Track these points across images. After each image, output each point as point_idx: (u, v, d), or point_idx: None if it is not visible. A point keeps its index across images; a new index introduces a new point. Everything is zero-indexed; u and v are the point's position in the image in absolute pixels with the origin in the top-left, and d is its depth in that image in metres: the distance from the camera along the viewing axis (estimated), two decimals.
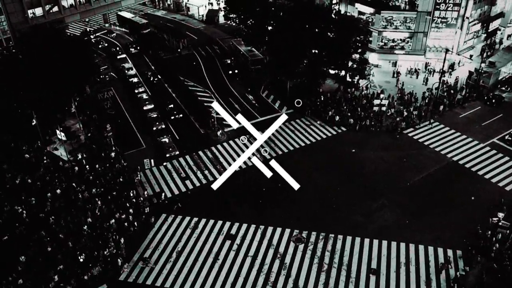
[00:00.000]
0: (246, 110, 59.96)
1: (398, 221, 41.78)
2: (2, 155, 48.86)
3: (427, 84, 63.83)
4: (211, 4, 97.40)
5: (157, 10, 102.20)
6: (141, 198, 44.39)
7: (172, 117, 59.37)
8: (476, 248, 38.19)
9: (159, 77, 70.26)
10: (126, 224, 41.36)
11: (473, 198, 43.96)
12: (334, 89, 62.93)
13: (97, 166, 48.10)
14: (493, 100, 59.68)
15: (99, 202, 43.12)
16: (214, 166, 50.18)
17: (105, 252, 38.13)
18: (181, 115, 60.05)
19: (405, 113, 56.87)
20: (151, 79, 69.53)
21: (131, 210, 42.42)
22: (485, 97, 60.62)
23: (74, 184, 45.10)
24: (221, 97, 63.92)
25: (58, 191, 44.00)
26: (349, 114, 56.87)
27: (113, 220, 41.13)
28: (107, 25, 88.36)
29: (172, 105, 61.13)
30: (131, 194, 44.50)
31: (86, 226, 40.26)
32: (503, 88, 62.81)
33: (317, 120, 57.36)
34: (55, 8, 73.71)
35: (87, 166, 48.01)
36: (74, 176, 46.74)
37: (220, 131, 55.39)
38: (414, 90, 62.16)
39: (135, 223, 41.82)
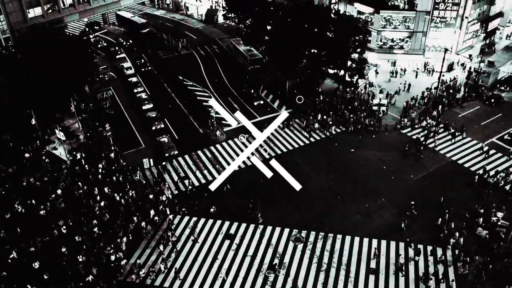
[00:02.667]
0: (245, 109, 59.93)
1: (397, 220, 41.73)
2: (4, 155, 48.93)
3: (409, 90, 62.61)
4: (211, 6, 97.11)
5: (156, 10, 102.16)
6: (163, 197, 44.40)
7: (142, 69, 71.58)
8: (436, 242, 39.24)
9: (131, 41, 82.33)
10: (147, 225, 41.60)
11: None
12: (333, 90, 62.91)
13: (101, 166, 48.03)
14: (492, 100, 59.68)
15: (117, 198, 43.13)
16: (213, 165, 50.17)
17: (112, 256, 37.99)
18: (149, 68, 71.98)
19: (424, 123, 55.41)
20: (124, 43, 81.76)
21: (152, 212, 42.32)
22: (484, 97, 60.65)
23: (80, 183, 44.97)
24: (220, 96, 63.90)
25: (59, 191, 43.72)
26: (330, 122, 55.54)
27: (143, 223, 41.08)
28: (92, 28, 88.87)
29: (143, 60, 74.14)
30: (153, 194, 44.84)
31: (97, 228, 40.01)
32: (502, 88, 62.76)
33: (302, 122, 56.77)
34: (54, 8, 73.59)
35: (91, 166, 47.87)
36: (79, 175, 46.56)
37: (219, 130, 55.37)
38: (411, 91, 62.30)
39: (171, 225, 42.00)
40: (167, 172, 49.26)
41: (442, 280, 35.89)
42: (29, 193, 43.61)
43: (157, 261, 38.31)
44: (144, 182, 47.39)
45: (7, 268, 36.04)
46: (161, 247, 39.25)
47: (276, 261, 38.42)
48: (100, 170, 47.16)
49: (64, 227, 39.80)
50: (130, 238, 40.25)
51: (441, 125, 55.01)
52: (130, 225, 40.92)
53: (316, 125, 55.49)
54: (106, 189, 44.35)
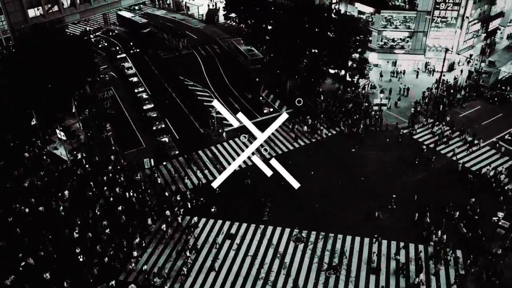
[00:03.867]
0: (246, 109, 59.92)
1: (397, 220, 41.71)
2: (6, 155, 48.99)
3: (408, 94, 61.58)
4: (216, 7, 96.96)
5: (157, 10, 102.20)
6: (178, 197, 44.46)
7: (131, 51, 77.61)
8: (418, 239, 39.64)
9: (116, 32, 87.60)
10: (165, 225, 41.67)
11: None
12: (334, 90, 62.86)
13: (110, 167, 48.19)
14: (495, 99, 59.55)
15: (133, 198, 43.44)
16: (214, 165, 50.18)
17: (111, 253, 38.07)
18: (138, 50, 77.95)
19: (436, 128, 54.36)
20: (110, 33, 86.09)
21: (168, 212, 42.39)
22: (489, 95, 60.50)
23: (92, 183, 45.15)
24: (221, 96, 63.91)
25: (66, 193, 43.68)
26: (321, 127, 54.92)
27: (163, 226, 41.10)
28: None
29: (132, 43, 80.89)
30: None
31: (108, 230, 39.92)
32: (503, 88, 62.58)
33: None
34: (55, 8, 73.56)
35: (99, 166, 48.02)
36: (89, 176, 46.64)
37: (221, 130, 55.39)
38: (414, 90, 62.09)
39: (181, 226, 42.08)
40: (192, 164, 49.86)
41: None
42: (35, 194, 43.60)
43: (183, 266, 37.77)
44: (160, 181, 47.49)
45: (20, 276, 35.79)
46: (188, 253, 38.77)
47: (277, 261, 38.45)
48: (109, 170, 47.52)
49: (76, 230, 39.67)
50: (145, 242, 40.19)
51: (457, 132, 53.67)
52: (151, 227, 41.13)
53: (305, 128, 55.00)
54: (117, 189, 44.65)
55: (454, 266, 37.15)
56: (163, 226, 41.07)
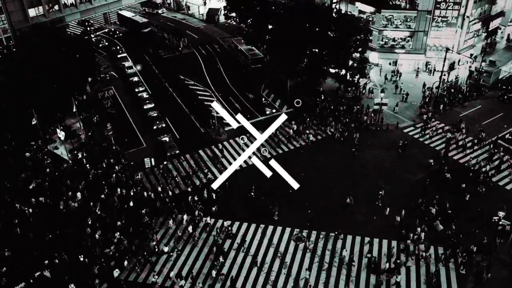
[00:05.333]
0: (246, 109, 59.95)
1: (398, 220, 41.70)
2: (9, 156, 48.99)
3: (407, 99, 60.74)
4: (204, 2, 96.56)
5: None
6: (196, 198, 44.40)
7: (115, 36, 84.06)
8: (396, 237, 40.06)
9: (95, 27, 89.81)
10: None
11: None
12: (335, 89, 62.84)
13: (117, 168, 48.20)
14: (505, 97, 59.75)
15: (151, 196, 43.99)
16: (214, 165, 50.22)
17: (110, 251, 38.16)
18: (120, 34, 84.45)
19: (449, 135, 52.64)
20: (88, 24, 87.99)
21: (185, 216, 42.39)
22: (500, 94, 60.67)
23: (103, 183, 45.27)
24: (222, 95, 63.94)
25: (79, 194, 43.52)
26: (308, 131, 54.25)
27: (190, 228, 41.27)
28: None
29: (117, 32, 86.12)
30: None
31: (118, 233, 39.75)
32: (504, 87, 62.58)
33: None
34: (56, 7, 73.57)
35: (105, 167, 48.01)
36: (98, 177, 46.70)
37: (221, 130, 55.41)
38: (411, 91, 62.02)
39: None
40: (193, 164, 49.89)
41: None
42: (44, 196, 43.40)
43: (211, 270, 37.70)
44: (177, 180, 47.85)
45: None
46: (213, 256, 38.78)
47: (278, 260, 38.48)
48: (116, 170, 47.65)
49: (98, 232, 39.58)
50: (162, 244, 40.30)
51: (475, 140, 52.33)
52: (179, 230, 41.31)
53: (291, 132, 54.53)
54: (134, 189, 44.87)
55: (426, 262, 37.58)
56: (189, 228, 41.09)
